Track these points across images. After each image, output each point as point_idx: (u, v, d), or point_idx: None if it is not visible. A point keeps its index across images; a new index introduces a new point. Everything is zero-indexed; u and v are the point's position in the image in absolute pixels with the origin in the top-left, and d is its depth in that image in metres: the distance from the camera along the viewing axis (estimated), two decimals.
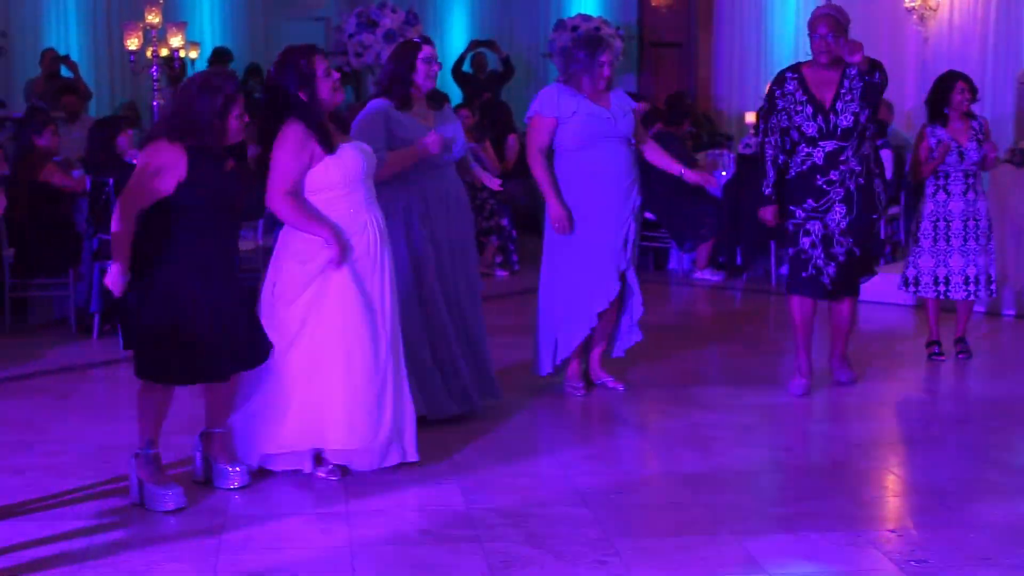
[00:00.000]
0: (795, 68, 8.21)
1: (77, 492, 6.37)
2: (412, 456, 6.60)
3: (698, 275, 12.96)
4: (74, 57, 16.48)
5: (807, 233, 8.09)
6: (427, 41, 7.37)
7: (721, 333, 10.19)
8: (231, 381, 6.39)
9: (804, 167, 8.08)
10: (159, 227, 6.01)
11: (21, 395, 8.32)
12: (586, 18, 17.98)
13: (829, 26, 7.91)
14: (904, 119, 15.45)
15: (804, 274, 8.14)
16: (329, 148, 6.32)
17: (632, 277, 8.15)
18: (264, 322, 6.36)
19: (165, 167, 5.94)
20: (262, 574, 5.31)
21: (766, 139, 8.13)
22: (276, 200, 6.32)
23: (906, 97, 15.67)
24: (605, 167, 7.93)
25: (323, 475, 6.48)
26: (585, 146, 7.91)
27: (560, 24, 18.03)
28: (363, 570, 5.35)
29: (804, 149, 8.06)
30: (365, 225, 6.41)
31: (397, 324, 6.56)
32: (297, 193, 6.33)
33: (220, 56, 17.46)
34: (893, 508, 6.27)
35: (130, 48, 14.81)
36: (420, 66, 7.27)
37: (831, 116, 7.99)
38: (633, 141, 8.07)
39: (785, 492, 6.36)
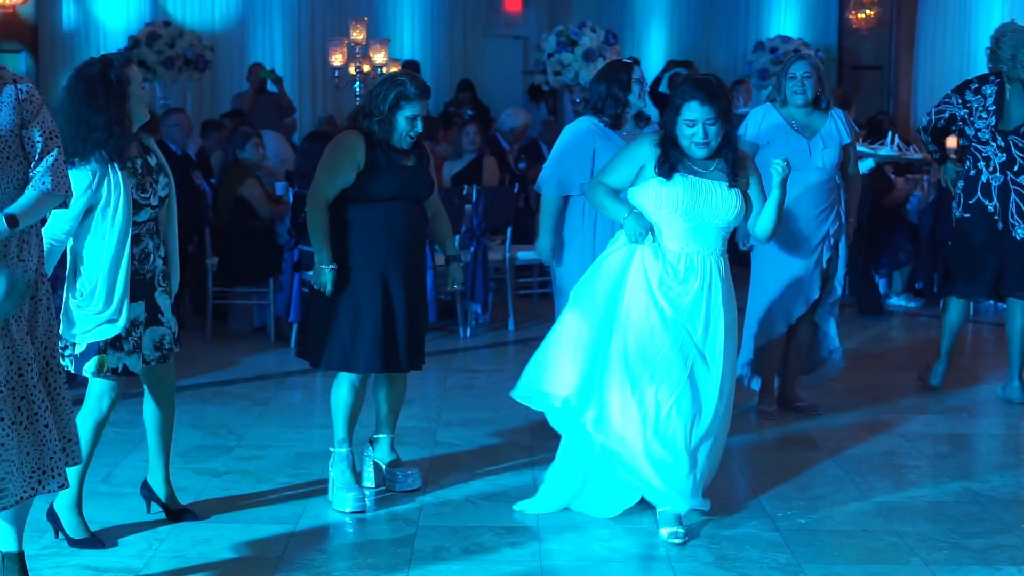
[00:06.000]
0: None
1: (274, 496, 6.51)
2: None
3: (893, 301, 12.76)
4: (278, 72, 16.84)
5: None
6: (636, 61, 7.41)
7: (916, 361, 10.01)
8: (403, 386, 6.64)
9: None
10: (342, 218, 6.27)
11: (220, 400, 8.53)
12: (785, 39, 17.88)
13: None
14: None
15: None
16: (664, 172, 5.99)
17: (828, 306, 8.09)
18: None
19: (346, 151, 6.19)
20: None
21: None
22: (589, 186, 6.39)
23: None
24: (796, 196, 7.83)
25: (666, 536, 5.95)
26: None
27: (759, 46, 17.95)
28: None
29: None
30: (678, 257, 6.02)
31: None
32: (609, 185, 6.18)
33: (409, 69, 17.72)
34: None
35: (334, 64, 15.11)
36: (635, 86, 7.29)
37: None
38: (836, 172, 7.95)
39: (981, 524, 6.22)
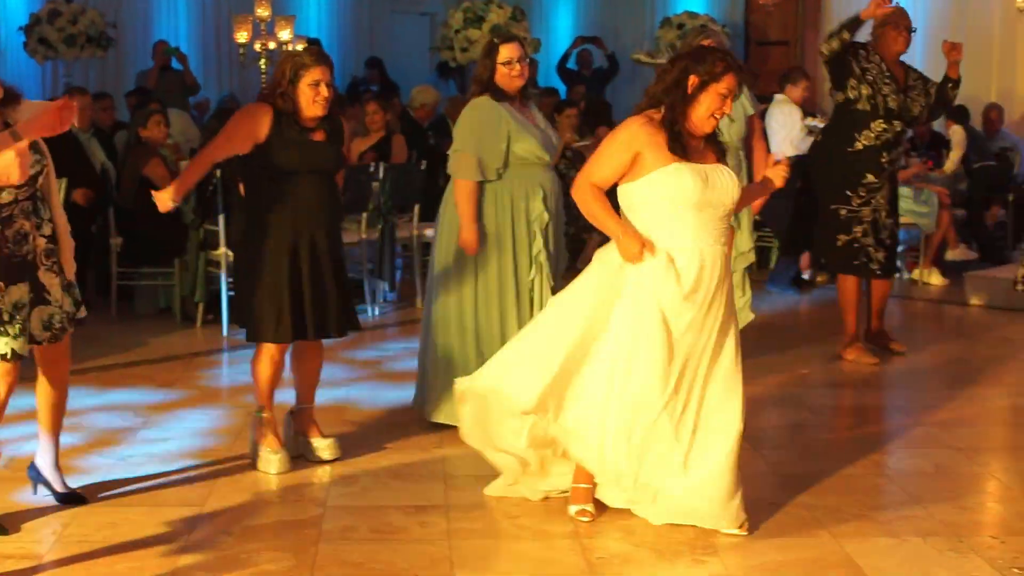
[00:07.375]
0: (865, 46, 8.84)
1: (180, 478, 6.45)
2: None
3: (804, 276, 12.80)
4: (183, 49, 16.67)
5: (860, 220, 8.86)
6: (507, 40, 7.16)
7: (824, 333, 10.07)
8: (316, 358, 6.78)
9: (878, 142, 8.77)
10: (252, 190, 6.45)
11: (126, 382, 8.41)
12: (692, 15, 17.90)
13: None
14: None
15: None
16: (679, 153, 5.44)
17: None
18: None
19: (250, 123, 6.35)
20: (361, 564, 5.33)
21: None
22: (578, 188, 5.66)
23: (1017, 98, 15.49)
24: None
25: (574, 513, 5.87)
26: None
27: (666, 21, 17.96)
28: (461, 563, 5.36)
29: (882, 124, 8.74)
30: (689, 258, 5.49)
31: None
32: (599, 185, 5.58)
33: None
34: (996, 514, 6.17)
35: (239, 41, 14.98)
36: (500, 68, 7.12)
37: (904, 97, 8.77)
38: (742, 145, 7.95)
39: (888, 496, 6.29)
